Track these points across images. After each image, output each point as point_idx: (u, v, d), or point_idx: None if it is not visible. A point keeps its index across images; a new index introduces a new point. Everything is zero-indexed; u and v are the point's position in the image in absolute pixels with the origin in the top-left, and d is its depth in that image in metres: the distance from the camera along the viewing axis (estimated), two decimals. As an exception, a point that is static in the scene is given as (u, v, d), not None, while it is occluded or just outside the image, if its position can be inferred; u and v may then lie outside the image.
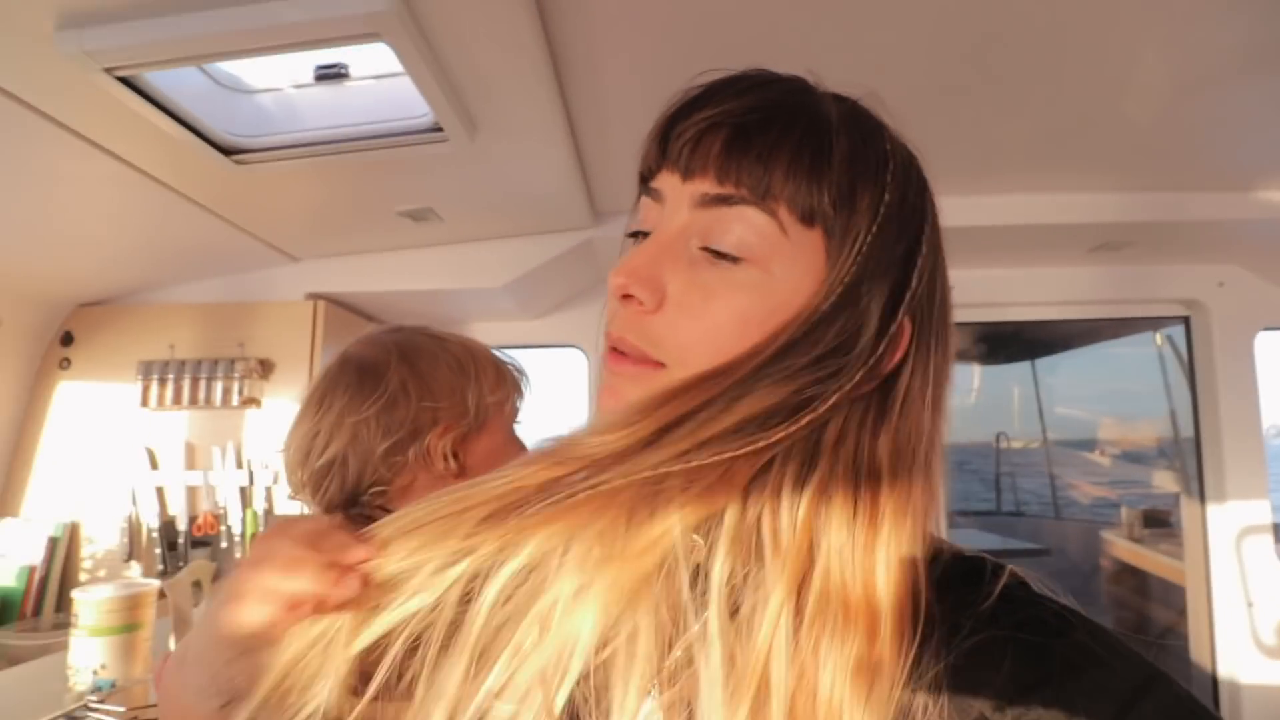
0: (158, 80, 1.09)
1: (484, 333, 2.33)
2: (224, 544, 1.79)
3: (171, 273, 1.84)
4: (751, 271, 0.39)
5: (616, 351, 0.41)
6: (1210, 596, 2.24)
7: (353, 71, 1.24)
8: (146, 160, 1.31)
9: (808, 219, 0.39)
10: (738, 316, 0.38)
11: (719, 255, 0.39)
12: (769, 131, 0.39)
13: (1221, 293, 2.27)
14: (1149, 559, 2.84)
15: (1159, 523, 2.93)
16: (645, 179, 0.44)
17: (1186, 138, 1.54)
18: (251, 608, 0.37)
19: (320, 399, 0.73)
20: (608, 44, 1.13)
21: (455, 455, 0.70)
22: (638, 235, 0.44)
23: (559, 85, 1.20)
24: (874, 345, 0.38)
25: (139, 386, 1.78)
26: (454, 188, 1.54)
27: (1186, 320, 2.40)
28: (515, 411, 0.74)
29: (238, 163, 1.27)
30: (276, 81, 1.26)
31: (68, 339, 1.84)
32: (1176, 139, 1.55)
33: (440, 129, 1.22)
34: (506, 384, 0.74)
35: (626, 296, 0.40)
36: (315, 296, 1.88)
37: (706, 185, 0.39)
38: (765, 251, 0.38)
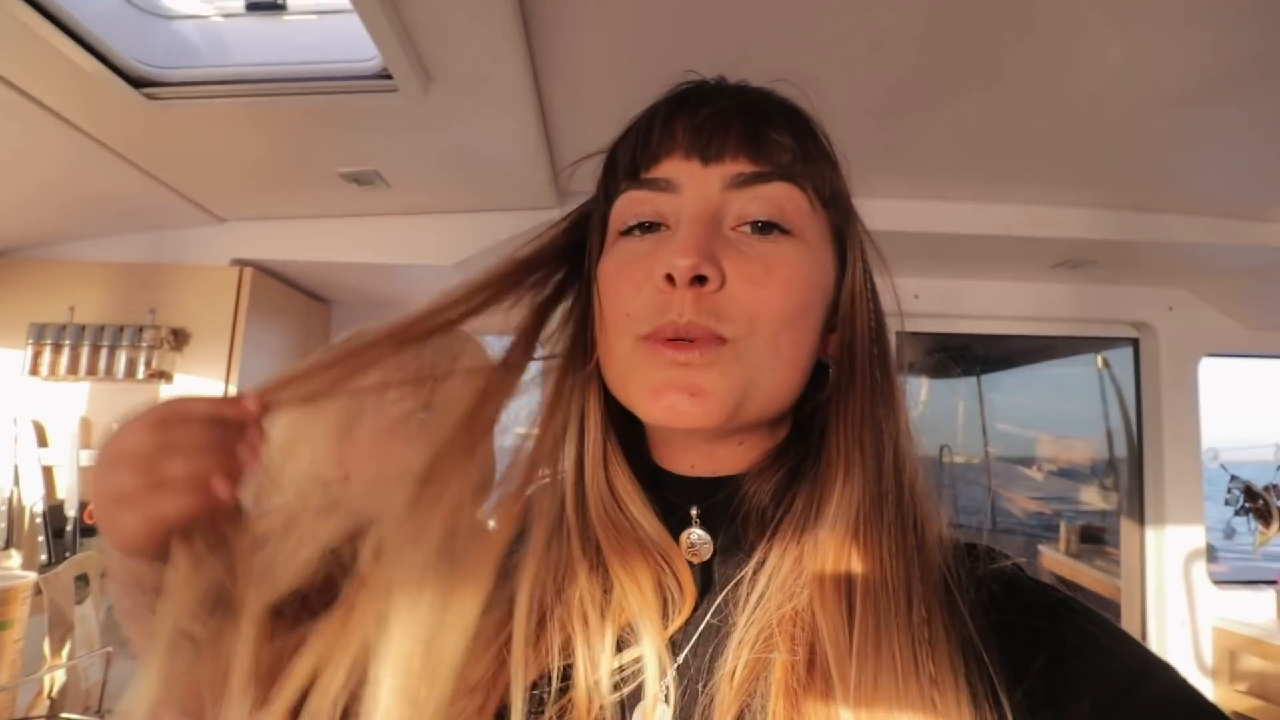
0: (51, -12, 0.93)
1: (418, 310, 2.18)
2: (121, 533, 1.59)
3: (75, 226, 1.63)
4: (796, 242, 0.41)
5: (675, 341, 0.39)
6: (1144, 613, 2.28)
7: (291, 3, 1.10)
8: (45, 90, 1.13)
9: (826, 202, 0.43)
10: (800, 280, 0.40)
11: (765, 228, 0.41)
12: (789, 120, 0.42)
13: (1170, 317, 2.31)
14: (1084, 574, 2.90)
15: (1095, 539, 3.00)
16: (636, 172, 0.43)
17: (1158, 157, 1.54)
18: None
19: None
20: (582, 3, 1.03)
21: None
22: (635, 230, 0.43)
23: (526, 42, 1.09)
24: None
25: (28, 352, 1.57)
26: (403, 150, 1.40)
27: (1135, 342, 2.44)
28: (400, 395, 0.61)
29: (149, 97, 1.11)
30: (200, 8, 1.10)
31: (-54, 294, 1.62)
32: (1148, 158, 1.54)
33: (389, 76, 1.09)
34: None
35: (697, 278, 0.39)
36: (242, 263, 1.70)
37: (740, 165, 0.41)
38: (803, 223, 0.41)
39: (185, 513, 0.36)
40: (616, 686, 0.40)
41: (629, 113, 0.46)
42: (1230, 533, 2.58)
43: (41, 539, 1.56)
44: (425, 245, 1.72)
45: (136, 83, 1.08)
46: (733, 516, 0.43)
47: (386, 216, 1.72)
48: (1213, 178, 1.61)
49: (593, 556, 0.43)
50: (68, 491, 1.59)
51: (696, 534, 0.43)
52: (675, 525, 0.44)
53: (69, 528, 1.58)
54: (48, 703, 1.28)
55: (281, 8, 1.09)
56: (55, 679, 1.30)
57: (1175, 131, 1.40)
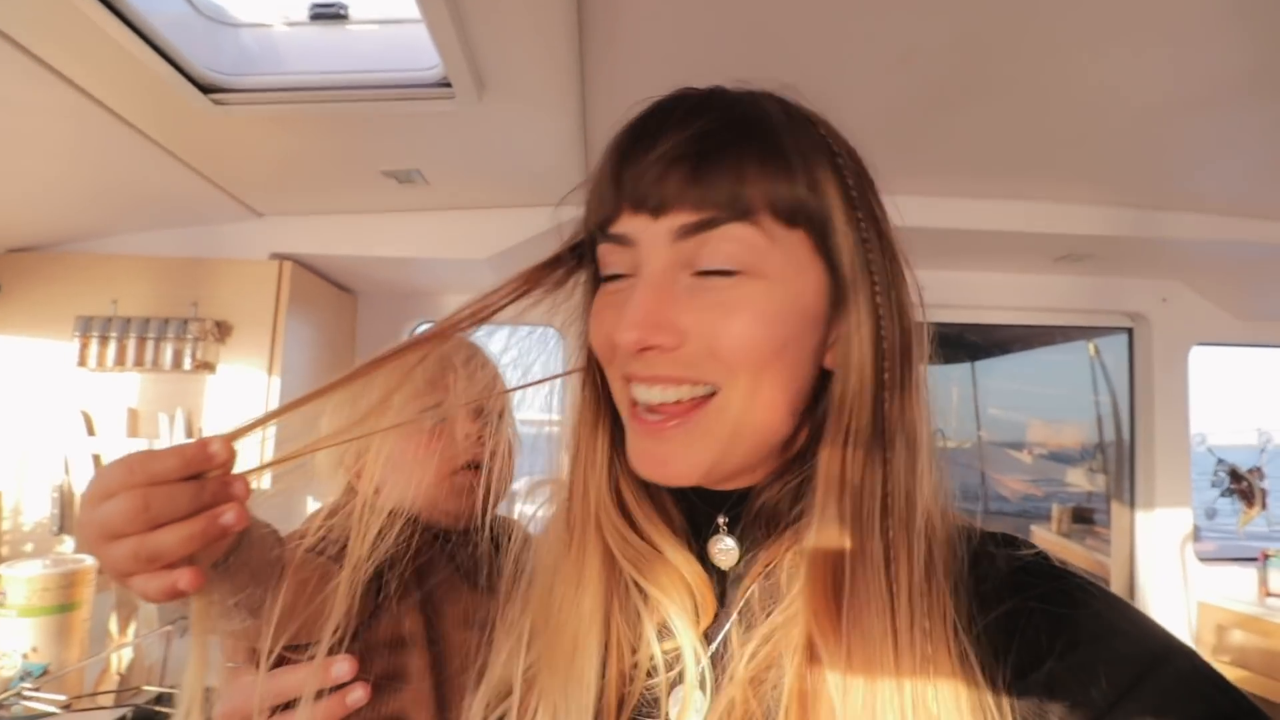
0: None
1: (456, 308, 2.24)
2: (169, 518, 1.65)
3: (119, 220, 1.67)
4: (754, 282, 0.40)
5: (647, 412, 0.42)
6: (1133, 589, 2.41)
7: (353, 13, 1.15)
8: (105, 91, 1.17)
9: (790, 220, 0.40)
10: (762, 318, 0.39)
11: (717, 274, 0.40)
12: (729, 149, 0.40)
13: (1164, 308, 2.41)
14: (1076, 553, 3.03)
15: (1085, 520, 3.13)
16: (603, 226, 0.43)
17: (1159, 159, 1.62)
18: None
19: None
20: (635, 12, 1.08)
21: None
22: (609, 280, 0.44)
23: (580, 53, 1.14)
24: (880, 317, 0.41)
25: (76, 344, 1.62)
26: (447, 150, 1.45)
27: (1130, 331, 2.55)
28: (406, 400, 0.65)
29: (216, 102, 1.15)
30: (266, 17, 1.15)
31: (-9, 287, 1.65)
32: (1150, 159, 1.62)
33: (448, 84, 1.15)
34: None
35: (646, 349, 0.40)
36: (281, 257, 1.75)
37: (684, 216, 0.39)
38: (758, 261, 0.39)
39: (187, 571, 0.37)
40: (650, 674, 0.43)
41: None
42: (1212, 514, 2.69)
43: (93, 524, 1.61)
44: (459, 240, 1.77)
45: (205, 89, 1.13)
46: (752, 523, 0.44)
47: (422, 212, 1.77)
48: (1209, 178, 1.70)
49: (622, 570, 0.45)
50: (116, 479, 1.64)
51: (725, 543, 0.45)
52: (704, 533, 0.46)
53: (120, 514, 1.63)
54: (116, 678, 1.35)
55: (344, 17, 1.14)
56: (122, 656, 1.37)
57: (1177, 135, 1.48)
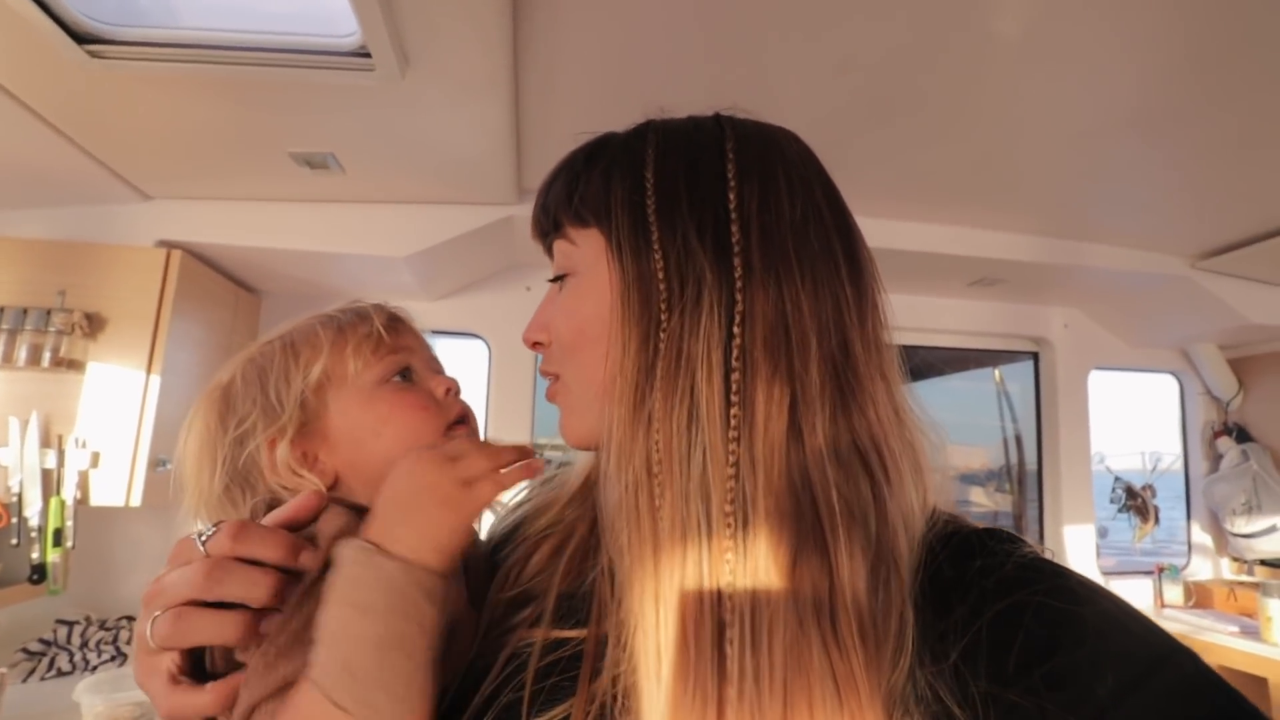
0: (-9, -76, 0.84)
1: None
2: (15, 540, 1.42)
3: (-31, 194, 1.46)
4: (569, 280, 0.48)
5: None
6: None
7: (261, -29, 1.04)
8: (-47, 36, 1.01)
9: (581, 221, 0.46)
10: (568, 308, 0.47)
11: (556, 281, 0.50)
12: (556, 181, 0.49)
13: (1065, 333, 2.57)
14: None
15: (998, 538, 3.28)
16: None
17: (1068, 188, 1.72)
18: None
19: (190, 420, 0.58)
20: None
21: (305, 459, 0.56)
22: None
23: (514, 32, 1.08)
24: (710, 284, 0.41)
25: (-94, 334, 1.39)
26: (365, 133, 1.34)
27: (1035, 356, 2.69)
28: (366, 365, 0.57)
29: (93, 55, 1.01)
30: (158, -36, 1.03)
31: None
32: (1060, 188, 1.72)
33: (367, 54, 1.06)
34: (319, 347, 0.58)
35: (535, 344, 0.50)
36: (169, 245, 1.57)
37: (540, 241, 0.51)
38: (570, 263, 0.48)
39: None
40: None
41: (600, 114, 0.52)
42: (1104, 531, 2.86)
43: (-85, 547, 1.37)
44: (376, 235, 1.65)
45: (80, 38, 0.99)
46: None
47: (335, 203, 1.64)
48: (1112, 209, 1.82)
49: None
50: (-50, 493, 1.40)
51: None
52: None
53: (-49, 534, 1.39)
54: (-73, 732, 1.12)
55: (251, -27, 1.03)
56: (-63, 704, 1.14)
57: (1084, 165, 1.57)
